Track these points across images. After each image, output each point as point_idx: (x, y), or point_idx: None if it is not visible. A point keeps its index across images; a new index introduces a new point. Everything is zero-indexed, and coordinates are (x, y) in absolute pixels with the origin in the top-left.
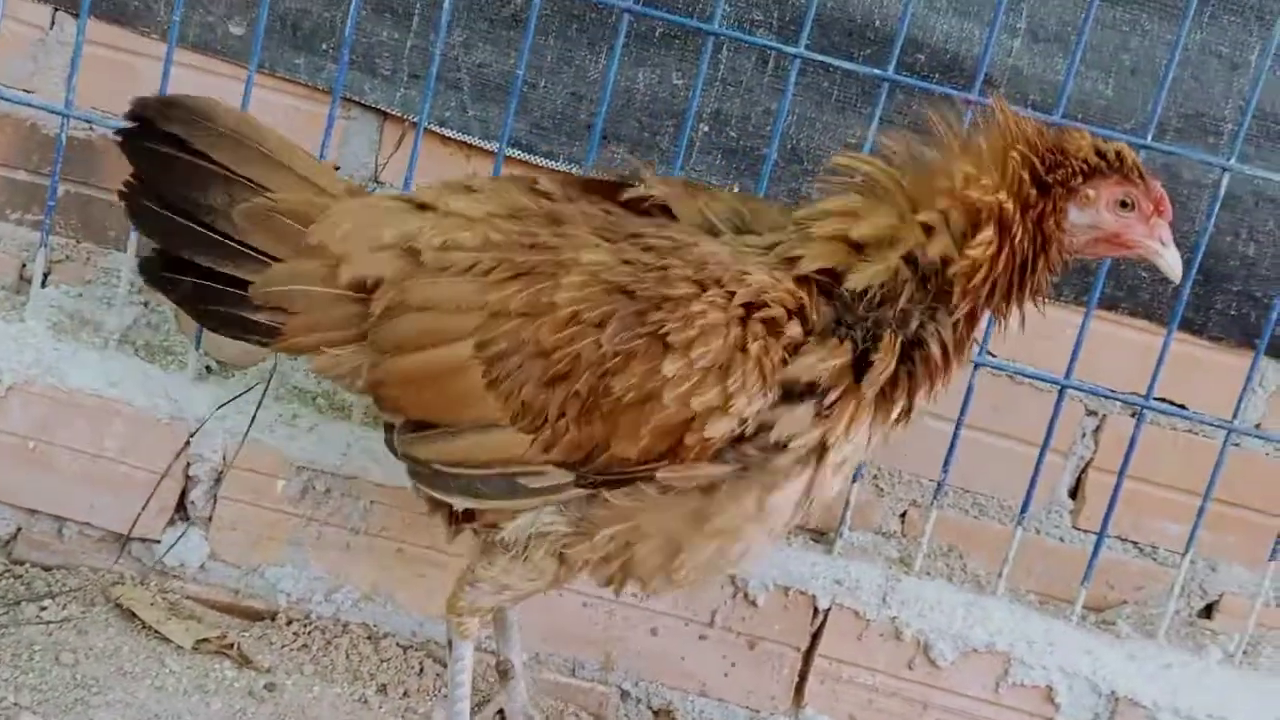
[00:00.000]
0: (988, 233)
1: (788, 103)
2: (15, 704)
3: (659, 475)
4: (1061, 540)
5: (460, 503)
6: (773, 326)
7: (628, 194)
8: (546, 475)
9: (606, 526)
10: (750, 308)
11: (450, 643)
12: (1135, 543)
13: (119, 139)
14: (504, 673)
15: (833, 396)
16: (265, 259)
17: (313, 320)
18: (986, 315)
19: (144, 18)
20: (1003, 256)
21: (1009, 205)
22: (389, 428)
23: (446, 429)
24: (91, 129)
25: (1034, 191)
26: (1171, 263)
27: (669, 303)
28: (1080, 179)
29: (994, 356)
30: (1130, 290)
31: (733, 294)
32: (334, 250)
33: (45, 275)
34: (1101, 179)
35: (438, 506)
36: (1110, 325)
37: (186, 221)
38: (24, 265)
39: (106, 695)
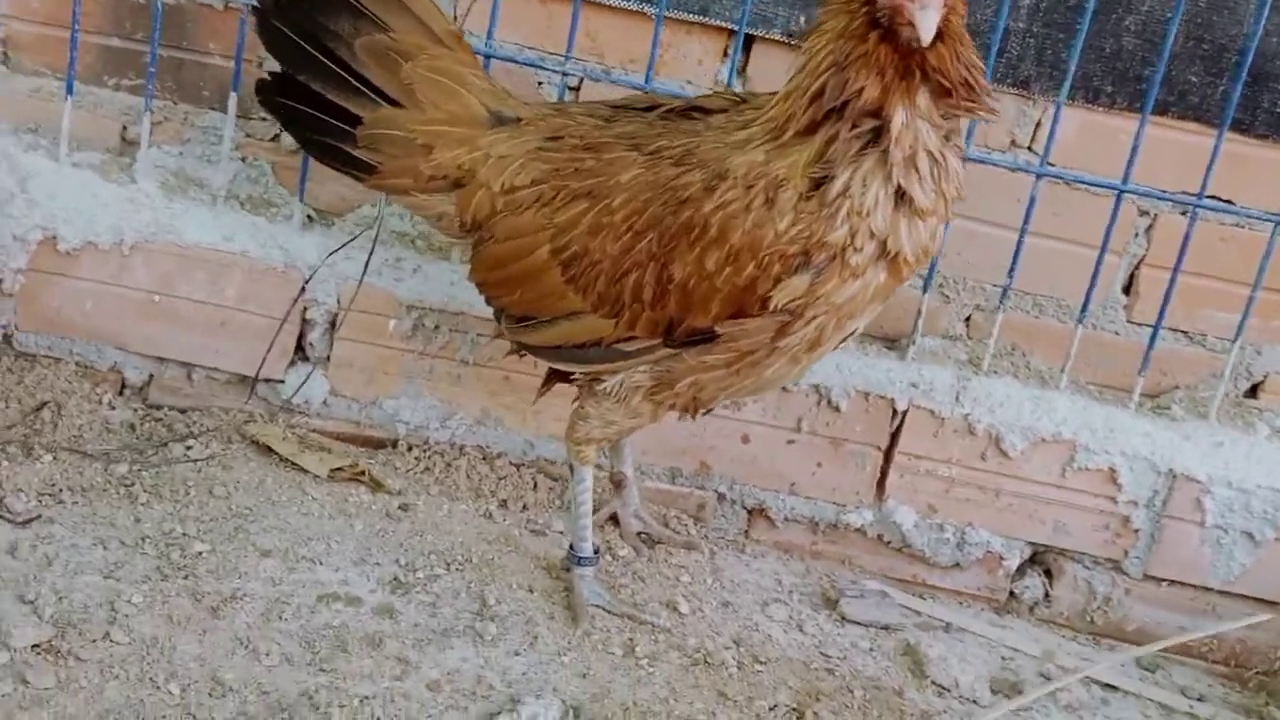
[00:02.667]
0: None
1: None
2: (184, 534)
3: (719, 330)
4: (1117, 334)
5: (569, 368)
6: (771, 200)
7: (658, 110)
8: (638, 340)
9: (685, 376)
10: (750, 190)
11: (571, 467)
12: (1186, 332)
13: None
14: (618, 483)
15: (820, 265)
16: (376, 97)
17: (407, 166)
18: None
19: None
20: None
21: None
22: (496, 315)
23: (543, 320)
24: None
25: None
26: (920, 20)
27: (689, 205)
28: None
29: (1053, 166)
30: (1181, 94)
31: (737, 183)
32: (423, 129)
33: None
34: None
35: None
36: (1160, 129)
37: (310, 46)
38: (124, 128)
39: (261, 522)
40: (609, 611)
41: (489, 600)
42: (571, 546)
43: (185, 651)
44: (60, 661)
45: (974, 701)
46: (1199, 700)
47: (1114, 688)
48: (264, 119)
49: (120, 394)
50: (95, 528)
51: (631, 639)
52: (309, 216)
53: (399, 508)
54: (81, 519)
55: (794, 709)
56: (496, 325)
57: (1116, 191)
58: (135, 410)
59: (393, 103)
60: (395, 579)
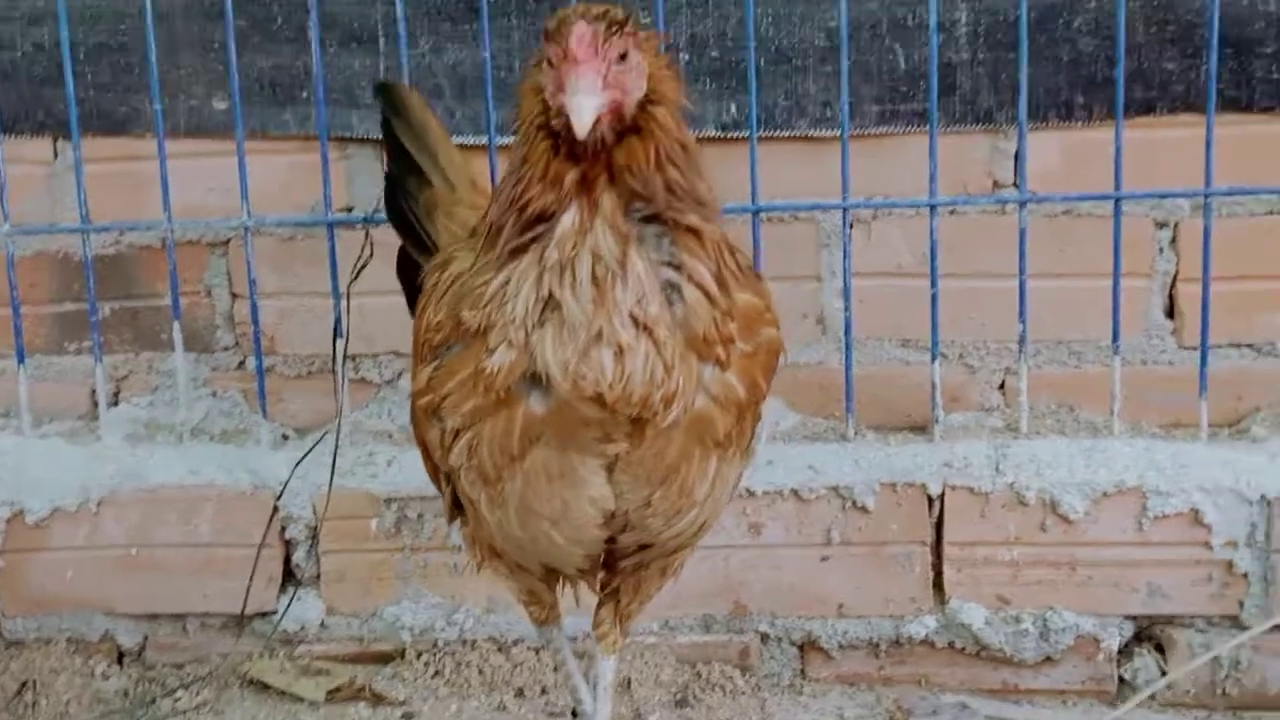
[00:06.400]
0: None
1: (753, 3)
2: None
3: None
4: (1171, 364)
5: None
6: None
7: None
8: None
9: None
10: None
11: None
12: (1251, 345)
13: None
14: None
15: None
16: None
17: None
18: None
19: (134, 121)
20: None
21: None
22: None
23: None
24: (120, 241)
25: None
26: (572, 108)
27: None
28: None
29: (1036, 194)
30: (1162, 87)
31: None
32: None
33: (116, 395)
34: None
35: None
36: (1159, 130)
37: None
38: (93, 391)
39: None
40: None
41: None
42: (573, 713)
43: None
44: None
45: None
46: None
47: None
48: (226, 349)
49: (118, 662)
50: None
51: None
52: (284, 436)
53: (402, 716)
54: None
55: None
56: None
57: (1113, 200)
58: (131, 675)
59: None
60: None
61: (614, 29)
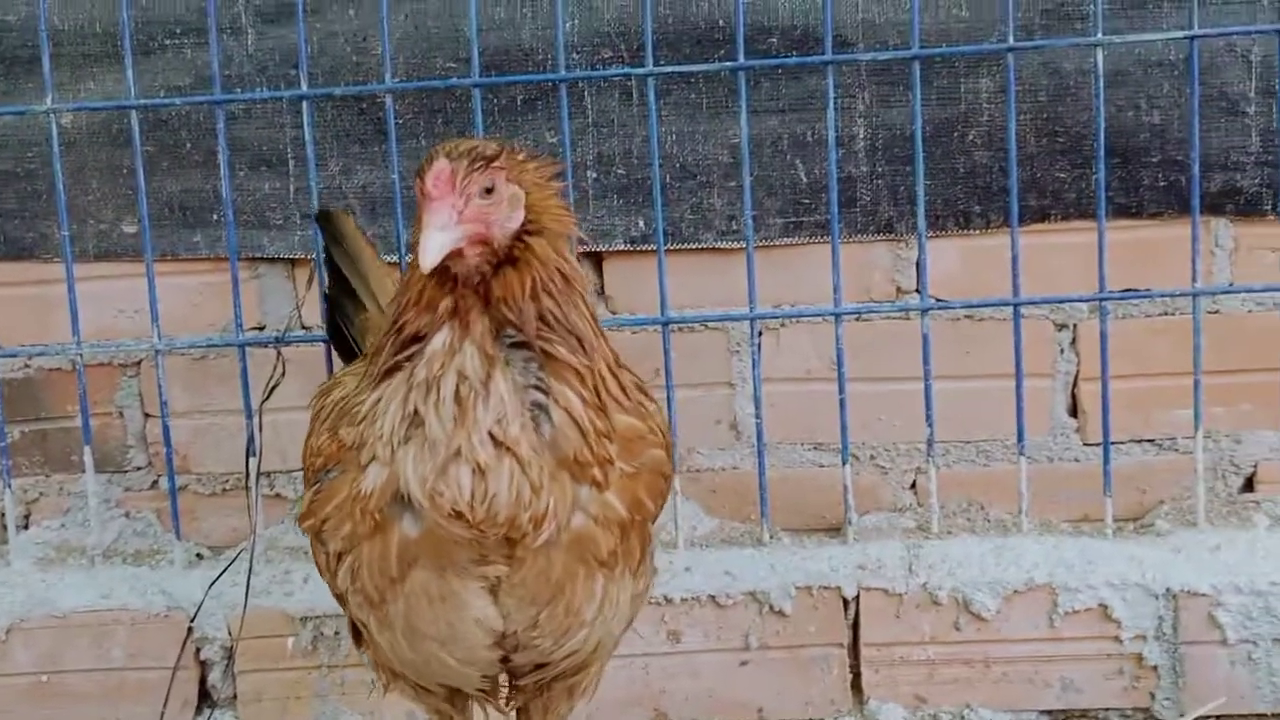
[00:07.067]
0: None
1: (656, 123)
2: None
3: None
4: (1077, 461)
5: None
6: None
7: None
8: None
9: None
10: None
11: None
12: (1152, 440)
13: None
14: None
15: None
16: None
17: None
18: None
19: (42, 246)
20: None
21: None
22: None
23: None
24: (29, 365)
25: None
26: (421, 243)
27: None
28: None
29: (937, 299)
30: (1055, 195)
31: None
32: None
33: (27, 517)
34: None
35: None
36: (1055, 235)
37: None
38: (2, 515)
39: None
40: None
41: None
42: None
43: None
44: None
45: None
46: None
47: None
48: (139, 469)
49: None
50: None
51: None
52: (199, 555)
53: None
54: None
55: None
56: None
57: (1011, 307)
58: None
59: None
60: None
61: (478, 164)
